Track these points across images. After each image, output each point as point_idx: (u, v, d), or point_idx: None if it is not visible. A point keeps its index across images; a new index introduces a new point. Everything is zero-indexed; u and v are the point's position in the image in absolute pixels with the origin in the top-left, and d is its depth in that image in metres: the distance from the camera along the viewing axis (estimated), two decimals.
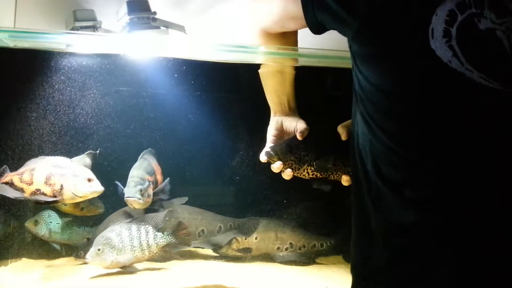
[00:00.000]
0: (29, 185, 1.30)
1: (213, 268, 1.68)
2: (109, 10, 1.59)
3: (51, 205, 1.51)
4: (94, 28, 1.49)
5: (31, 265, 1.62)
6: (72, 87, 1.68)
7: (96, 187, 1.35)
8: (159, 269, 1.61)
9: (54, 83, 1.65)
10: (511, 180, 0.68)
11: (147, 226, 1.56)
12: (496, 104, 0.68)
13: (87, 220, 1.73)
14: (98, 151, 1.60)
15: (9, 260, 1.63)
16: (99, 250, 1.50)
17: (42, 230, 1.62)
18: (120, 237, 1.53)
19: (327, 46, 1.26)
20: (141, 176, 1.56)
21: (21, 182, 1.31)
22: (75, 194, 1.32)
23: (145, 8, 1.50)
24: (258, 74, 1.22)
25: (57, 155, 1.48)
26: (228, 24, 1.72)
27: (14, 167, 1.37)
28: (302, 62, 1.30)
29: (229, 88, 1.86)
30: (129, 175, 1.56)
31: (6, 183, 1.31)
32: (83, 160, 1.53)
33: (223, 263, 1.73)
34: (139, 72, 1.76)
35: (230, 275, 1.59)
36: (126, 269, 1.54)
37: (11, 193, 1.30)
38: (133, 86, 1.80)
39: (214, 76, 1.78)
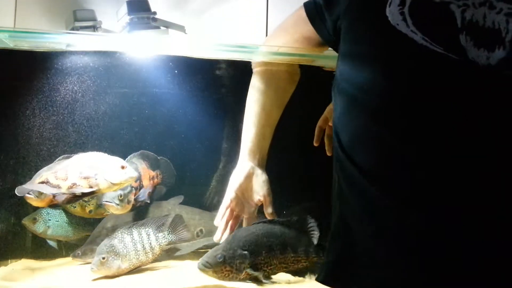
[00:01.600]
0: (65, 180, 1.33)
1: None
2: (109, 10, 1.59)
3: (90, 196, 1.50)
4: (94, 28, 1.49)
5: (31, 265, 1.62)
6: (71, 87, 1.68)
7: (130, 173, 1.37)
8: (159, 269, 1.61)
9: (53, 83, 1.65)
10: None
11: (147, 228, 1.57)
12: (437, 66, 0.71)
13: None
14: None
15: (9, 260, 1.63)
16: (103, 258, 1.49)
17: (40, 228, 1.63)
18: (123, 243, 1.53)
19: None
20: None
21: (57, 179, 1.34)
22: (111, 182, 1.34)
23: (145, 8, 1.50)
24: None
25: (59, 155, 1.50)
26: (228, 24, 1.72)
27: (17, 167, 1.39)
28: (302, 62, 1.30)
29: (230, 88, 1.86)
30: None
31: (42, 182, 1.34)
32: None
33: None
34: (139, 72, 1.76)
35: None
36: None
37: (49, 190, 1.33)
38: (133, 86, 1.80)
39: (214, 76, 1.78)
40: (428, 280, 0.68)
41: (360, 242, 0.75)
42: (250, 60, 1.30)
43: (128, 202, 1.54)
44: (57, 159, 1.53)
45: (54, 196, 1.44)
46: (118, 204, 1.51)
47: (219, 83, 1.84)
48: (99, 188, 1.34)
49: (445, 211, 0.68)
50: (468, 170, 0.68)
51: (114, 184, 1.35)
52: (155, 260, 1.59)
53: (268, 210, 1.13)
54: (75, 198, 1.50)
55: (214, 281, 1.49)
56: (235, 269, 1.08)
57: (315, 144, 1.30)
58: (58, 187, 1.33)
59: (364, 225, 0.75)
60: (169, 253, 1.64)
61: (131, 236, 1.55)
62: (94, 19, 1.50)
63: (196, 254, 1.78)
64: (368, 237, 0.74)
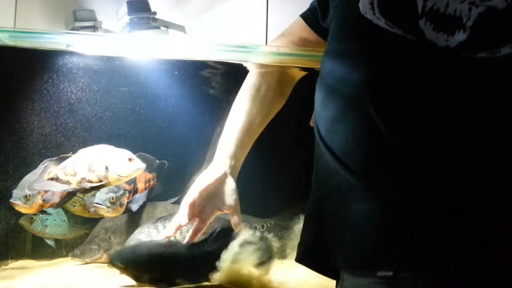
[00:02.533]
0: (74, 176, 1.33)
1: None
2: (109, 10, 1.59)
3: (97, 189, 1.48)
4: (94, 28, 1.49)
5: (31, 265, 1.62)
6: (71, 87, 1.68)
7: (138, 165, 1.37)
8: None
9: (53, 83, 1.65)
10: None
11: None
12: (395, 47, 0.75)
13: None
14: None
15: (9, 260, 1.63)
16: None
17: (37, 227, 1.63)
18: (150, 237, 1.54)
19: None
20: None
21: (66, 175, 1.34)
22: (119, 175, 1.34)
23: (145, 8, 1.50)
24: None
25: (58, 154, 1.50)
26: (228, 24, 1.72)
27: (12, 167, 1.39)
28: (302, 62, 1.30)
29: (230, 88, 1.86)
30: None
31: (52, 179, 1.35)
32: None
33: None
34: (139, 72, 1.76)
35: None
36: None
37: (59, 187, 1.34)
38: (133, 86, 1.80)
39: (214, 76, 1.78)
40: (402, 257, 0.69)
41: (331, 222, 0.77)
42: (250, 61, 1.30)
43: (121, 205, 1.54)
44: (40, 164, 1.53)
45: (44, 200, 1.45)
46: (108, 207, 1.51)
47: (219, 83, 1.84)
48: (108, 181, 1.35)
49: (408, 183, 0.70)
50: (431, 149, 0.70)
51: (122, 177, 1.35)
52: None
53: (235, 220, 1.09)
54: (67, 198, 1.52)
55: (214, 281, 1.49)
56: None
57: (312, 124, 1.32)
58: (68, 183, 1.34)
59: (333, 207, 0.78)
60: None
61: (157, 230, 1.56)
62: (94, 19, 1.51)
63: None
64: (338, 217, 0.76)
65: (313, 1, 1.05)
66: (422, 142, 0.71)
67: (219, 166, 1.08)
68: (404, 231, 0.69)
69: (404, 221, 0.69)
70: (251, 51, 1.27)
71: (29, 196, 1.46)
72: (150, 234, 1.55)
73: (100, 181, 1.34)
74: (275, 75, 1.19)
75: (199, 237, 1.12)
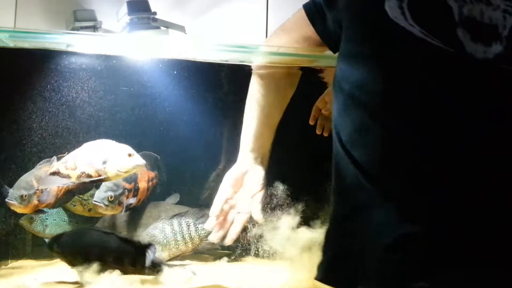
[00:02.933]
0: (74, 170, 1.34)
1: (213, 268, 1.68)
2: (109, 10, 1.59)
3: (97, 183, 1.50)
4: (94, 28, 1.49)
5: (31, 265, 1.62)
6: (71, 87, 1.68)
7: (137, 161, 1.37)
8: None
9: (53, 83, 1.65)
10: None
11: (187, 219, 1.59)
12: (435, 59, 0.71)
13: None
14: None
15: (9, 260, 1.63)
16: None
17: (37, 227, 1.63)
18: (164, 233, 1.56)
19: None
20: (116, 182, 1.54)
21: (67, 169, 1.35)
22: (119, 171, 1.34)
23: (145, 8, 1.50)
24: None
25: (57, 154, 1.50)
26: (228, 24, 1.72)
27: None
28: (303, 63, 1.30)
29: (230, 89, 1.86)
30: None
31: (53, 173, 1.37)
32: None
33: (223, 263, 1.73)
34: (139, 72, 1.76)
35: (230, 275, 1.59)
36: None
37: (59, 182, 1.36)
38: (133, 86, 1.80)
39: (214, 76, 1.78)
40: (429, 273, 0.68)
41: (356, 239, 0.75)
42: (250, 62, 1.30)
43: (119, 203, 1.54)
44: (38, 164, 1.54)
45: (39, 201, 1.46)
46: (107, 205, 1.51)
47: (219, 83, 1.84)
48: (107, 176, 1.35)
49: (442, 205, 0.68)
50: (467, 164, 0.68)
51: (121, 172, 1.35)
52: (195, 250, 1.62)
53: (254, 207, 1.11)
54: (63, 198, 1.52)
55: (214, 281, 1.49)
56: None
57: (311, 123, 1.35)
58: (68, 177, 1.35)
59: (360, 224, 0.75)
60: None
61: (172, 226, 1.58)
62: (94, 19, 1.51)
63: (196, 254, 1.78)
64: (366, 235, 0.74)
65: None
66: (462, 163, 0.68)
67: (243, 160, 1.13)
68: (437, 244, 0.68)
69: (436, 234, 0.68)
70: (251, 51, 1.27)
71: (25, 196, 1.46)
72: (164, 230, 1.57)
73: (99, 175, 1.34)
74: (282, 67, 1.18)
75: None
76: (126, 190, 1.57)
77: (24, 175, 1.52)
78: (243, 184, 1.13)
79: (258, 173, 1.12)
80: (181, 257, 1.68)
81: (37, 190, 1.49)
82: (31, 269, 1.58)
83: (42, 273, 1.55)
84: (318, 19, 0.97)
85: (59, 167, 1.37)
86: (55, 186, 1.50)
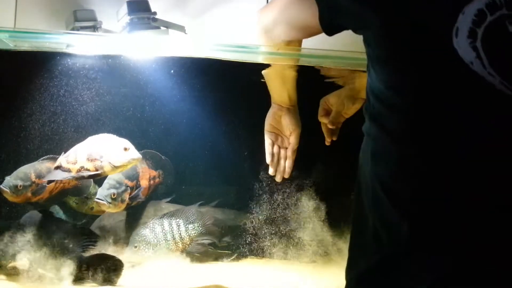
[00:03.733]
0: (74, 164, 1.37)
1: (212, 268, 1.68)
2: (109, 10, 1.59)
3: (97, 177, 1.52)
4: (94, 28, 1.49)
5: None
6: (71, 87, 1.68)
7: (132, 155, 1.38)
8: (157, 269, 1.61)
9: (53, 83, 1.65)
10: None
11: (178, 219, 1.60)
12: (505, 108, 0.65)
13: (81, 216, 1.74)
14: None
15: (9, 260, 1.63)
16: (135, 247, 1.56)
17: None
18: (154, 232, 1.57)
19: (328, 46, 1.26)
20: (118, 179, 1.56)
21: (68, 163, 1.38)
22: (114, 165, 1.35)
23: (145, 8, 1.49)
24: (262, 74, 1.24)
25: (57, 151, 1.51)
26: (228, 24, 1.72)
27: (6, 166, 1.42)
28: (302, 62, 1.30)
29: (229, 88, 1.86)
30: (108, 176, 1.56)
31: (57, 167, 1.40)
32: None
33: (223, 263, 1.74)
34: (139, 72, 1.76)
35: (229, 275, 1.59)
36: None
37: (60, 175, 1.38)
38: (133, 86, 1.80)
39: (214, 76, 1.78)
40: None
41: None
42: (250, 61, 1.31)
43: (122, 201, 1.54)
44: (40, 159, 1.55)
45: (33, 194, 1.47)
46: (110, 203, 1.51)
47: (219, 83, 1.84)
48: (103, 171, 1.36)
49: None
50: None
51: (116, 167, 1.35)
52: (185, 250, 1.63)
53: (291, 140, 1.29)
54: (57, 195, 1.53)
55: (214, 281, 1.49)
56: None
57: (330, 140, 1.37)
58: (69, 170, 1.36)
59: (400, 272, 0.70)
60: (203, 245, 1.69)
61: (162, 226, 1.58)
62: (94, 19, 1.50)
63: (188, 254, 1.78)
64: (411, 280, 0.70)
65: None
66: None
67: (273, 105, 1.29)
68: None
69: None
70: (251, 51, 1.27)
71: (20, 186, 1.47)
72: (154, 230, 1.57)
73: (97, 170, 1.35)
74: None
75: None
76: (128, 187, 1.57)
77: (24, 166, 1.53)
78: (278, 123, 1.29)
79: (288, 115, 1.27)
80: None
81: (33, 183, 1.49)
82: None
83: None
84: (329, 19, 0.86)
85: (62, 161, 1.40)
86: (53, 184, 1.51)
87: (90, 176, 1.38)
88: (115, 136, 1.42)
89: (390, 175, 0.72)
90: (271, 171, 1.33)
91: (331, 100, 1.36)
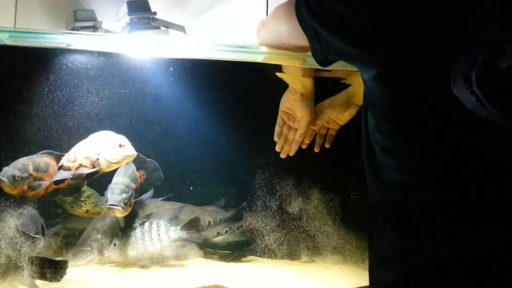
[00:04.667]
0: (73, 162, 1.38)
1: (212, 268, 1.68)
2: (109, 10, 1.59)
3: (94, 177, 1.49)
4: (94, 28, 1.49)
5: None
6: (71, 87, 1.68)
7: (127, 151, 1.37)
8: (157, 269, 1.61)
9: (53, 83, 1.65)
10: None
11: (159, 221, 1.59)
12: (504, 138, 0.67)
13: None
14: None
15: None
16: (115, 244, 1.57)
17: None
18: (133, 231, 1.57)
19: None
20: (126, 183, 1.55)
21: (68, 162, 1.39)
22: (109, 162, 1.35)
23: (145, 8, 1.49)
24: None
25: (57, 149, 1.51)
26: (228, 24, 1.72)
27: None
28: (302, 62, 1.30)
29: (229, 88, 1.86)
30: (114, 181, 1.55)
31: (59, 167, 1.41)
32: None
33: (223, 263, 1.73)
34: (139, 72, 1.76)
35: (229, 275, 1.59)
36: (140, 262, 1.59)
37: (62, 175, 1.39)
38: (133, 85, 1.80)
39: (214, 76, 1.78)
40: None
41: None
42: (250, 61, 1.31)
43: (130, 205, 1.54)
44: (39, 152, 1.55)
45: (29, 187, 1.47)
46: (123, 208, 1.50)
47: (219, 83, 1.84)
48: (100, 168, 1.36)
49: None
50: None
51: (112, 163, 1.35)
52: (165, 252, 1.61)
53: (301, 125, 1.34)
54: (52, 194, 1.54)
55: (214, 281, 1.49)
56: None
57: (320, 146, 1.41)
58: (69, 169, 1.36)
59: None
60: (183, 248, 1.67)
61: (142, 226, 1.57)
62: (94, 19, 1.50)
63: (195, 254, 1.78)
64: None
65: (324, 35, 0.82)
66: None
67: (288, 89, 1.34)
68: None
69: None
70: (251, 51, 1.27)
71: (17, 177, 1.47)
72: (143, 228, 1.57)
73: (94, 167, 1.35)
74: None
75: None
76: (133, 190, 1.57)
77: (23, 158, 1.52)
78: (292, 106, 1.33)
79: (302, 101, 1.31)
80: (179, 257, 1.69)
81: (31, 176, 1.49)
82: None
83: None
84: (322, 57, 0.86)
85: (63, 161, 1.40)
86: (48, 181, 1.52)
87: (88, 174, 1.37)
88: (113, 133, 1.42)
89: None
90: (277, 147, 1.39)
91: (325, 104, 1.37)
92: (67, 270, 1.38)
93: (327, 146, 1.40)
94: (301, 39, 0.87)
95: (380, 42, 0.73)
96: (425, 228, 0.73)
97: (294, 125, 1.37)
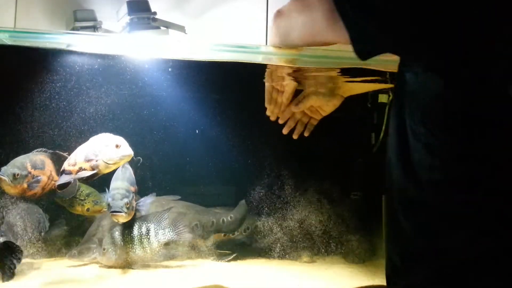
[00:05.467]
0: (74, 166, 1.37)
1: (212, 268, 1.68)
2: (109, 10, 1.59)
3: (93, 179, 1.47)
4: (94, 28, 1.49)
5: (31, 265, 1.62)
6: (71, 87, 1.68)
7: (123, 152, 1.36)
8: (158, 269, 1.61)
9: (53, 83, 1.65)
10: None
11: (148, 224, 1.58)
12: None
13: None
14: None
15: None
16: (104, 249, 1.55)
17: None
18: (123, 236, 1.55)
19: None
20: (126, 187, 1.54)
21: (69, 165, 1.38)
22: (107, 163, 1.34)
23: (145, 8, 1.50)
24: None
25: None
26: (228, 24, 1.72)
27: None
28: (302, 62, 1.30)
29: (228, 89, 1.86)
30: (113, 186, 1.54)
31: (62, 171, 1.40)
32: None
33: (223, 263, 1.73)
34: (139, 72, 1.76)
35: (229, 275, 1.59)
36: (131, 267, 1.58)
37: (64, 179, 1.38)
38: (133, 85, 1.80)
39: (213, 76, 1.78)
40: None
41: None
42: (250, 61, 1.31)
43: (132, 208, 1.53)
44: (34, 150, 1.55)
45: (28, 186, 1.47)
46: (126, 212, 1.50)
47: (219, 83, 1.84)
48: (99, 170, 1.36)
49: None
50: None
51: (109, 164, 1.35)
52: (156, 255, 1.60)
53: (286, 88, 1.34)
54: (46, 193, 1.54)
55: (214, 281, 1.49)
56: None
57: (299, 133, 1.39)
58: (70, 172, 1.36)
59: None
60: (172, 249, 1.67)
61: (131, 230, 1.57)
62: (94, 19, 1.51)
63: (196, 254, 1.78)
64: None
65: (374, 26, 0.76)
66: None
67: None
68: None
69: None
70: (251, 51, 1.27)
71: (17, 175, 1.46)
72: (123, 233, 1.56)
73: (93, 169, 1.35)
74: None
75: None
76: (133, 193, 1.57)
77: (20, 157, 1.52)
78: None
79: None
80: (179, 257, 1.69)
81: (29, 173, 1.49)
82: (30, 269, 1.58)
83: (42, 272, 1.55)
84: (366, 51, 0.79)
85: (65, 165, 1.40)
86: (46, 179, 1.52)
87: (89, 177, 1.37)
88: (111, 134, 1.42)
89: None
90: (268, 111, 1.37)
91: (310, 89, 1.34)
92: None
93: (306, 134, 1.39)
94: (339, 31, 0.79)
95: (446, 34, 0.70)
96: (451, 230, 0.72)
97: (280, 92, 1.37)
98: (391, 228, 0.81)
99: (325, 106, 1.34)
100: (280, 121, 1.39)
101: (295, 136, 1.39)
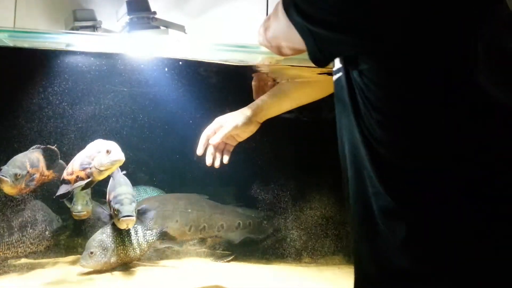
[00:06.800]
0: (71, 175, 1.38)
1: (212, 268, 1.68)
2: (109, 10, 1.59)
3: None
4: (94, 28, 1.49)
5: (30, 265, 1.62)
6: (71, 87, 1.68)
7: (113, 157, 1.34)
8: (157, 269, 1.61)
9: (53, 83, 1.65)
10: None
11: (136, 225, 1.57)
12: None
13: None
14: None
15: (9, 261, 1.63)
16: (91, 253, 1.52)
17: None
18: (111, 238, 1.54)
19: None
20: (131, 192, 1.54)
21: (67, 175, 1.39)
22: (99, 169, 1.34)
23: (145, 8, 1.49)
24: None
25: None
26: (228, 24, 1.72)
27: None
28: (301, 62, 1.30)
29: (229, 89, 1.86)
30: (119, 192, 1.52)
31: (62, 181, 1.40)
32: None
33: (222, 263, 1.73)
34: (139, 71, 1.76)
35: (229, 275, 1.59)
36: (120, 269, 1.57)
37: (64, 189, 1.38)
38: (133, 85, 1.80)
39: (214, 76, 1.78)
40: None
41: None
42: (250, 61, 1.30)
43: (27, 185, 1.50)
44: (30, 148, 1.54)
45: (26, 185, 1.48)
46: (135, 217, 1.49)
47: (219, 83, 1.84)
48: (94, 177, 1.35)
49: None
50: None
51: (102, 170, 1.34)
52: (144, 256, 1.61)
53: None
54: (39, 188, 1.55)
55: (214, 281, 1.49)
56: None
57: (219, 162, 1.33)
58: (69, 182, 1.36)
59: None
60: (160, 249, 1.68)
61: (119, 232, 1.56)
62: (94, 19, 1.50)
63: (196, 254, 1.78)
64: None
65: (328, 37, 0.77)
66: None
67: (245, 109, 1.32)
68: None
69: None
70: (251, 51, 1.27)
71: (18, 175, 1.46)
72: (112, 235, 1.56)
73: (88, 177, 1.34)
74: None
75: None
76: (136, 199, 1.57)
77: (18, 155, 1.51)
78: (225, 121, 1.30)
79: (247, 123, 1.28)
80: (178, 257, 1.69)
81: (28, 173, 1.49)
82: (30, 269, 1.58)
83: (42, 272, 1.55)
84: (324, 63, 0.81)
85: (64, 174, 1.40)
86: (39, 176, 1.52)
87: (86, 185, 1.37)
88: (103, 140, 1.41)
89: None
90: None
91: (227, 119, 1.32)
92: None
93: (225, 162, 1.32)
94: (299, 40, 0.81)
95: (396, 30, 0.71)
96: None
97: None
98: (363, 231, 0.83)
99: (242, 133, 1.31)
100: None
101: (216, 166, 1.32)
